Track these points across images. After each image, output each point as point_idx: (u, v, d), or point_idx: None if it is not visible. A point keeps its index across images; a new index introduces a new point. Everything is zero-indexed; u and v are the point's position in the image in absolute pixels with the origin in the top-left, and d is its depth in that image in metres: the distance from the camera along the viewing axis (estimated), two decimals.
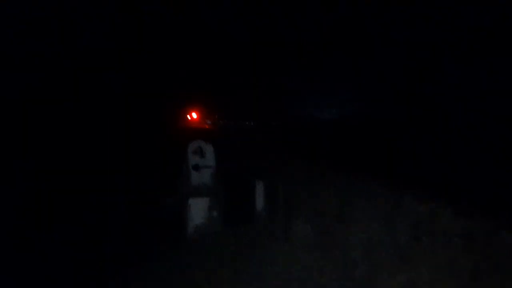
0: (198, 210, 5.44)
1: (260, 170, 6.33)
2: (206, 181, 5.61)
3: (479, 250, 2.81)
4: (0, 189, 6.41)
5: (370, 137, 6.90)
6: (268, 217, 5.62)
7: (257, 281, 4.19)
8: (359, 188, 5.07)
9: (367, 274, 3.68)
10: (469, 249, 2.86)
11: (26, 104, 8.71)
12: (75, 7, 8.65)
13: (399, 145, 5.77)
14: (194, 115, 10.08)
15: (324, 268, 4.10)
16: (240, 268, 4.47)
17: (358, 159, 6.08)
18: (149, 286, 4.38)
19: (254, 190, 5.74)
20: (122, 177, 7.07)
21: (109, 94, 9.78)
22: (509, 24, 5.89)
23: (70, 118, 9.07)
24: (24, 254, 5.03)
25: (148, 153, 7.72)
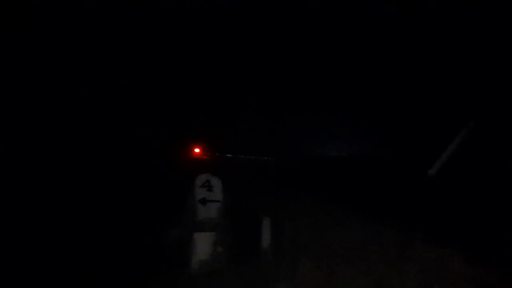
0: (203, 245, 5.33)
1: (268, 206, 6.25)
2: (212, 215, 5.55)
3: None
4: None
5: (380, 176, 6.82)
6: (274, 255, 5.48)
7: None
8: (368, 229, 4.96)
9: None
10: None
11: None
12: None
13: (409, 185, 5.68)
14: (197, 150, 10.10)
15: None
16: None
17: (367, 199, 5.98)
18: None
19: (261, 226, 5.64)
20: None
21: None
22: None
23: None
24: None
25: (153, 183, 7.63)
